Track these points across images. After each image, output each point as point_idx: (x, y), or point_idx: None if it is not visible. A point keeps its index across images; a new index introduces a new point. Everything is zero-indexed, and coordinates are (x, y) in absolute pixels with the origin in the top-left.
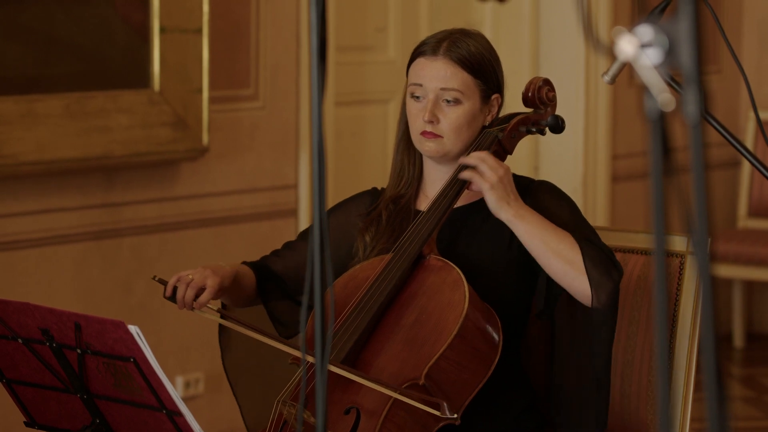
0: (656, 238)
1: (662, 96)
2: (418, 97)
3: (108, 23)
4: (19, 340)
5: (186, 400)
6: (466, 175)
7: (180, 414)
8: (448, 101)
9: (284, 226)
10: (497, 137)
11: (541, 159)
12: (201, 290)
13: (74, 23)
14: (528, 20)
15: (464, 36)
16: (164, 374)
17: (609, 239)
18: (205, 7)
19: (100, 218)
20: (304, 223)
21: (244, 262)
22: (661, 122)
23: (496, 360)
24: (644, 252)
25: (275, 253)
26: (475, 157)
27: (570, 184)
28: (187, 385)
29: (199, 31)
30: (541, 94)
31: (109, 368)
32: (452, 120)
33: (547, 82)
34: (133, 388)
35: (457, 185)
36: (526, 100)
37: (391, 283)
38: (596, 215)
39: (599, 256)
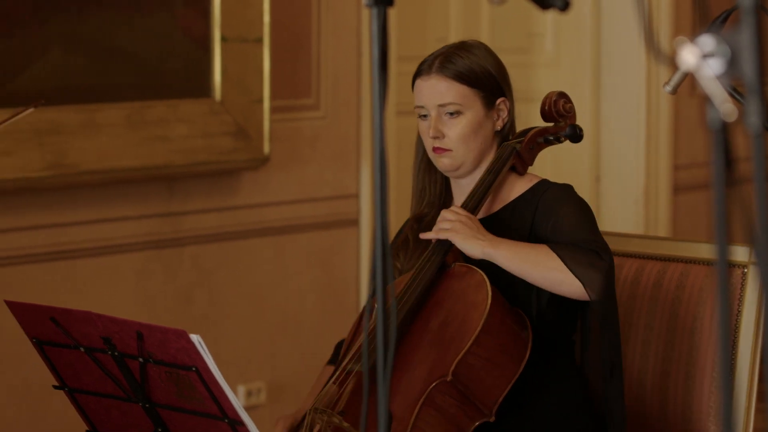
0: (719, 248)
1: (724, 106)
2: (424, 116)
3: (169, 33)
4: (81, 349)
5: (248, 409)
6: (432, 233)
7: (242, 423)
8: (450, 114)
9: (345, 235)
10: (515, 149)
11: (602, 169)
12: None
13: (135, 34)
14: (589, 30)
15: (459, 50)
16: (226, 383)
17: (670, 250)
18: (266, 17)
19: (161, 228)
20: (365, 233)
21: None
22: (724, 133)
23: (527, 356)
24: (706, 262)
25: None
26: (437, 227)
27: (631, 195)
28: (248, 394)
29: (260, 40)
30: (558, 107)
31: (171, 377)
32: (457, 132)
33: (562, 95)
34: (195, 397)
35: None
36: (544, 115)
37: (415, 293)
38: (658, 226)
39: (579, 254)
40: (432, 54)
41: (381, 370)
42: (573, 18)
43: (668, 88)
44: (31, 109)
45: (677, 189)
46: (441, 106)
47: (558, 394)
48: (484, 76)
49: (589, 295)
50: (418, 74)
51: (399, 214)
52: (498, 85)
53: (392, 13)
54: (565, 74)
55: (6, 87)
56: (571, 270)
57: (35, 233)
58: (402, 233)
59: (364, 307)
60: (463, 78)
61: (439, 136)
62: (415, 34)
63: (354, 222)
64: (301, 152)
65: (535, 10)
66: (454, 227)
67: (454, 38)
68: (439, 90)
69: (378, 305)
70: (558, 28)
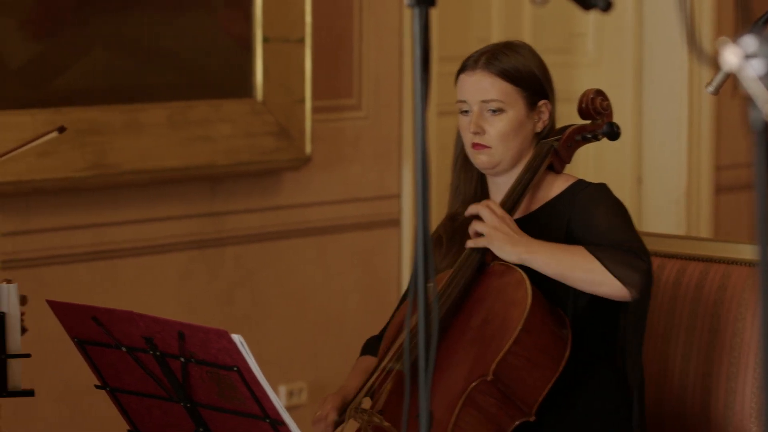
0: (761, 249)
1: (767, 107)
2: (466, 112)
3: (211, 34)
4: (123, 349)
5: (289, 409)
6: (470, 243)
7: (283, 423)
8: (492, 111)
9: (387, 235)
10: (553, 146)
11: (644, 170)
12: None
13: (177, 34)
14: (631, 31)
15: (505, 48)
16: (267, 383)
17: (712, 251)
18: (308, 18)
19: (203, 227)
20: (407, 233)
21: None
22: (766, 133)
23: (566, 355)
24: (749, 263)
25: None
26: (472, 229)
27: (673, 195)
28: (290, 394)
29: (302, 41)
30: (595, 105)
31: (212, 377)
32: (498, 129)
33: (599, 93)
34: (237, 397)
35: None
36: (581, 112)
37: (455, 291)
38: (700, 226)
39: (617, 254)
40: (478, 51)
41: (423, 372)
42: (615, 18)
43: (710, 88)
44: (55, 133)
45: (719, 189)
46: (484, 102)
47: (597, 393)
48: (529, 76)
49: (630, 294)
50: (462, 69)
51: (440, 214)
52: (541, 87)
53: (434, 13)
54: (607, 74)
55: (48, 87)
56: (609, 270)
57: (77, 233)
58: (435, 233)
59: (406, 292)
60: (508, 76)
61: (479, 131)
62: (457, 35)
63: (396, 222)
64: (342, 152)
65: (577, 11)
66: (488, 234)
67: (495, 39)
68: (483, 86)
69: (420, 307)
70: (600, 28)
